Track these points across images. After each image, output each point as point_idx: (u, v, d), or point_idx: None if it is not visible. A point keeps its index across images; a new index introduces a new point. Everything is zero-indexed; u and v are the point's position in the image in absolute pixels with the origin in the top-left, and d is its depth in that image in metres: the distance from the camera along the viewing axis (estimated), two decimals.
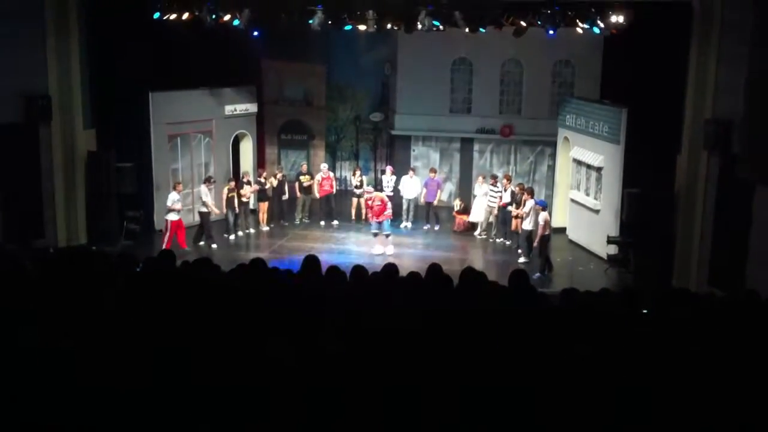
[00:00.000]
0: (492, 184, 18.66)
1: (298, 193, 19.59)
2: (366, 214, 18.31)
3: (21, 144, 15.44)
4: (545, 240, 15.85)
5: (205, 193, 17.40)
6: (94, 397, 4.24)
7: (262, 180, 19.09)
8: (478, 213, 19.02)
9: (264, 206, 19.19)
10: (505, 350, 5.40)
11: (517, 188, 17.73)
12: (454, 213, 19.81)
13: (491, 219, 18.75)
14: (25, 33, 15.08)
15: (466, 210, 19.48)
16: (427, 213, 19.74)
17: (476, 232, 19.04)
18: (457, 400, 4.49)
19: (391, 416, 4.32)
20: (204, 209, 17.37)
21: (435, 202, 19.58)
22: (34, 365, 4.54)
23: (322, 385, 4.44)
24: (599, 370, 5.18)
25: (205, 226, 17.45)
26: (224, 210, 17.86)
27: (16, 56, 14.80)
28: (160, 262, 8.15)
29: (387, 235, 17.39)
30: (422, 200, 20.03)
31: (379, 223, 17.28)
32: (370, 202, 17.54)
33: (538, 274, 15.43)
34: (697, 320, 6.88)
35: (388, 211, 17.26)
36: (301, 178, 19.70)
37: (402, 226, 19.32)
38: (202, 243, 17.30)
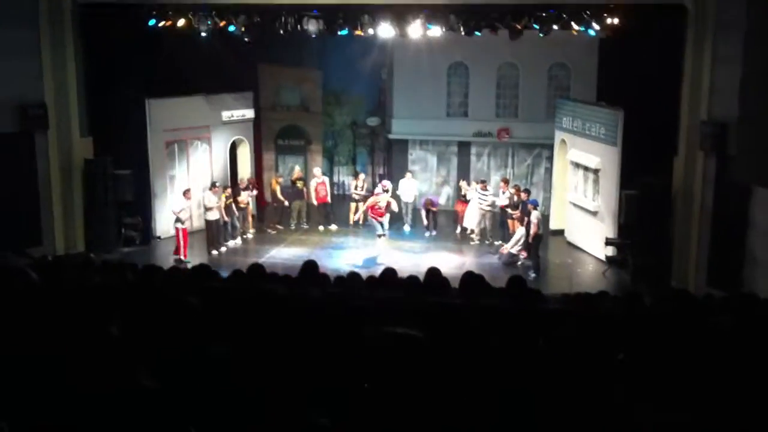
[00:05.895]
0: (482, 189, 18.58)
1: (294, 199, 19.54)
2: (366, 215, 17.93)
3: (18, 153, 15.43)
4: (537, 239, 15.91)
5: (209, 199, 17.35)
6: (88, 404, 4.24)
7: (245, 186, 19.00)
8: (471, 218, 18.95)
9: (248, 209, 19.02)
10: (506, 353, 5.39)
11: (514, 189, 17.78)
12: (455, 207, 19.66)
13: (484, 223, 18.65)
14: (20, 42, 15.08)
15: (464, 198, 19.16)
16: (427, 215, 19.60)
17: (472, 234, 18.96)
18: (457, 404, 4.48)
19: (391, 422, 4.31)
20: (212, 217, 17.28)
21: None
22: (29, 372, 4.53)
23: (320, 389, 4.44)
24: (598, 372, 5.18)
25: (212, 233, 17.42)
26: (225, 217, 17.75)
27: (11, 65, 14.79)
28: (157, 269, 8.15)
29: (380, 235, 17.31)
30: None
31: (381, 223, 17.20)
32: (376, 206, 17.29)
33: (533, 275, 15.45)
34: (697, 321, 6.88)
35: (392, 207, 17.29)
36: (297, 183, 19.68)
37: (404, 228, 19.33)
38: (216, 253, 17.25)
